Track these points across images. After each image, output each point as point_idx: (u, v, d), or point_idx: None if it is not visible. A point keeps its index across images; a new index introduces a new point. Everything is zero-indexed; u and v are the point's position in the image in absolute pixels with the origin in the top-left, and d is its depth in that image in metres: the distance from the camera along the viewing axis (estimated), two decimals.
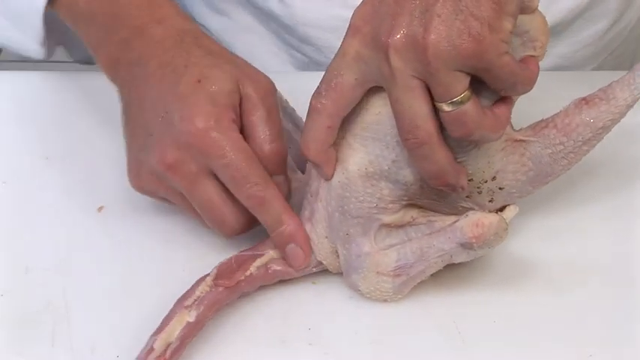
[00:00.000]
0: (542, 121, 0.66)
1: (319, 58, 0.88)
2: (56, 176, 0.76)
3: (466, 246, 0.61)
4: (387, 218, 0.65)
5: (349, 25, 0.61)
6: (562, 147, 0.65)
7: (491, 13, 0.57)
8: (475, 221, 0.61)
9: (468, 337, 0.64)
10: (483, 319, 0.65)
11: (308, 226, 0.66)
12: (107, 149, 0.78)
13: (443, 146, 0.60)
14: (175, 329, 0.62)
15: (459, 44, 0.56)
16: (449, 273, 0.65)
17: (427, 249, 0.63)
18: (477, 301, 0.66)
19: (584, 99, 0.65)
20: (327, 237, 0.66)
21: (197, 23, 0.93)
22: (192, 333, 0.62)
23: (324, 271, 0.68)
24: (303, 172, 0.69)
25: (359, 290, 0.66)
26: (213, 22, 0.93)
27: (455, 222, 0.62)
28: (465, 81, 0.58)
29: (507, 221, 0.62)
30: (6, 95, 0.84)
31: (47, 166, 0.77)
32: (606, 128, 0.65)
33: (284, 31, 0.88)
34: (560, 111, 0.66)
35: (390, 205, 0.64)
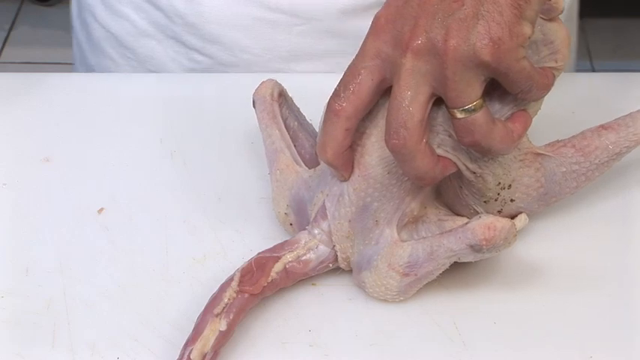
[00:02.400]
0: (559, 141, 0.67)
1: (226, 58, 0.87)
2: (56, 178, 0.76)
3: (475, 248, 0.61)
4: (412, 204, 0.66)
5: (371, 26, 0.61)
6: (577, 167, 0.67)
7: (512, 18, 0.57)
8: (488, 224, 0.61)
9: (468, 338, 0.64)
10: (484, 320, 0.65)
11: (331, 206, 0.66)
12: (107, 151, 0.78)
13: (424, 154, 0.61)
14: (210, 339, 0.61)
15: (480, 48, 0.57)
16: (449, 275, 0.65)
17: (437, 247, 0.63)
18: (477, 302, 0.66)
19: (601, 125, 0.67)
20: (350, 221, 0.66)
21: (98, 25, 0.92)
22: (224, 341, 0.62)
23: (324, 273, 0.68)
24: (308, 166, 0.70)
25: (364, 286, 0.66)
26: (114, 25, 0.92)
27: (466, 223, 0.62)
28: (479, 89, 0.59)
29: (517, 229, 0.63)
30: (6, 97, 0.84)
31: (47, 168, 0.77)
32: (620, 155, 0.68)
33: (187, 31, 0.87)
34: (577, 134, 0.67)
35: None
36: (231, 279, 0.64)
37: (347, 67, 0.62)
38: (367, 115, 0.64)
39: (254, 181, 0.75)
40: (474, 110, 0.59)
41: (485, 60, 0.57)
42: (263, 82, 0.72)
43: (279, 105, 0.72)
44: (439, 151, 0.63)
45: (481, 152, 0.62)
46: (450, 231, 0.63)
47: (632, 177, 0.75)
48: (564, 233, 0.71)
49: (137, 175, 0.76)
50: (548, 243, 0.70)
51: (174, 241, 0.71)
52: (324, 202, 0.67)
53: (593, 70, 2.24)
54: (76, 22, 0.98)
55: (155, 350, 0.63)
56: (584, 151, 0.67)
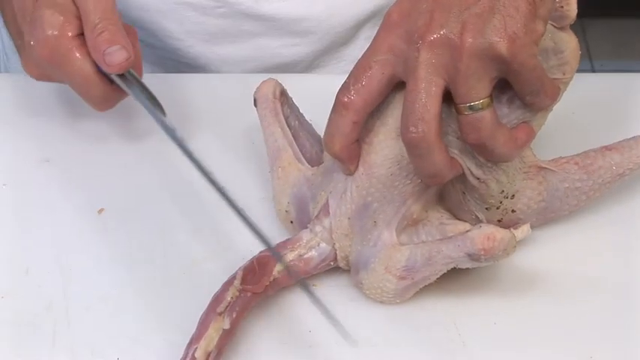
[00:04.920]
0: (562, 157, 0.68)
1: (155, 43, 0.88)
2: (56, 179, 0.76)
3: (473, 257, 0.61)
4: (413, 207, 0.65)
5: (384, 20, 0.62)
6: (580, 184, 0.68)
7: (527, 14, 0.58)
8: (487, 234, 0.61)
9: (468, 338, 0.64)
10: (484, 321, 0.65)
11: (334, 203, 0.66)
12: (107, 152, 0.78)
13: (441, 149, 0.61)
14: (213, 338, 0.62)
15: (496, 42, 0.58)
16: (450, 276, 0.65)
17: (435, 253, 0.63)
18: (477, 303, 0.66)
19: (605, 146, 0.68)
20: (349, 218, 0.66)
21: None
22: (227, 340, 0.62)
23: (325, 274, 0.68)
24: (311, 164, 0.70)
25: (361, 287, 0.66)
26: None
27: (466, 232, 0.62)
28: (489, 87, 0.59)
29: (518, 239, 0.63)
30: (6, 98, 0.84)
31: (47, 169, 0.77)
32: (623, 176, 0.68)
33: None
34: (580, 153, 0.68)
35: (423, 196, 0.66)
36: (233, 277, 0.64)
37: (357, 60, 0.62)
38: (376, 112, 0.64)
39: (254, 180, 0.75)
40: (481, 108, 0.59)
41: (501, 53, 0.58)
42: (264, 81, 0.73)
43: (281, 104, 0.72)
44: None
45: (484, 154, 0.62)
46: (450, 238, 0.63)
47: (633, 185, 0.75)
48: (565, 237, 0.71)
49: (137, 175, 0.76)
50: (548, 246, 0.70)
51: (174, 242, 0.71)
52: (327, 200, 0.67)
53: (593, 71, 2.23)
54: None
55: (155, 350, 0.63)
56: (587, 169, 0.67)
